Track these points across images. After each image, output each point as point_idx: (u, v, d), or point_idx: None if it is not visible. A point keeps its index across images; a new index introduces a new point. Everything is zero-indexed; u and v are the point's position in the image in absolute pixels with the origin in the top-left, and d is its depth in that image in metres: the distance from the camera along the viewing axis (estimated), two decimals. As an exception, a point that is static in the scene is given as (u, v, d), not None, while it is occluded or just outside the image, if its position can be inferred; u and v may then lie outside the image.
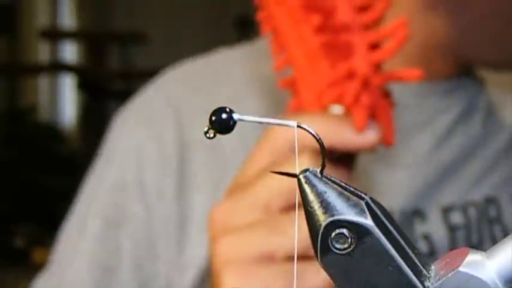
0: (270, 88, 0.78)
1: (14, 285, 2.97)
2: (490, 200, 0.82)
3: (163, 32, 4.65)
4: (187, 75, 0.83)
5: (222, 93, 0.80)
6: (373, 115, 0.58)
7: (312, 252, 0.52)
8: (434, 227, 0.78)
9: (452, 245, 0.79)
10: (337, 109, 0.58)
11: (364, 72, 0.57)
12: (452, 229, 0.79)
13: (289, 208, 0.54)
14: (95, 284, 0.76)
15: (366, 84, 0.57)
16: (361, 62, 0.57)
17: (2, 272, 3.17)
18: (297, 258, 0.54)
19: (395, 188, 0.78)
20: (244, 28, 4.67)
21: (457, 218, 0.80)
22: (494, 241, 0.81)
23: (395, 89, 0.82)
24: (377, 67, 0.59)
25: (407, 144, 0.81)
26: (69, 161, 3.97)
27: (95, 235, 0.77)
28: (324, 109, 0.58)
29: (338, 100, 0.57)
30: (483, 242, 0.81)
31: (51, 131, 4.44)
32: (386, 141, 0.60)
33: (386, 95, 0.61)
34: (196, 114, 0.78)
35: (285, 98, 0.72)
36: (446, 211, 0.80)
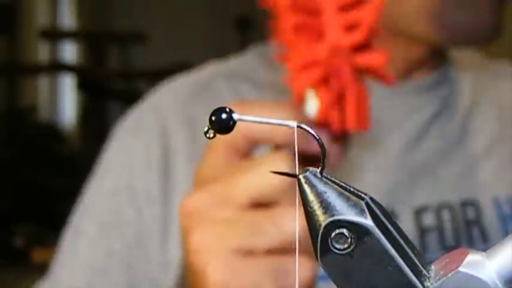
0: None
1: (14, 285, 2.97)
2: (468, 203, 0.81)
3: (163, 32, 4.65)
4: (176, 89, 0.88)
5: (204, 105, 0.84)
6: (341, 98, 0.58)
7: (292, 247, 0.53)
8: (404, 228, 0.78)
9: (423, 247, 0.79)
10: (311, 94, 0.58)
11: (325, 57, 0.57)
12: (423, 230, 0.79)
13: (261, 204, 0.54)
14: (88, 286, 0.79)
15: (333, 68, 0.57)
16: (323, 46, 0.57)
17: (2, 272, 3.17)
18: (278, 253, 0.54)
19: (365, 188, 0.78)
20: (244, 28, 4.67)
21: (429, 219, 0.80)
22: (471, 243, 0.81)
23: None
24: (353, 49, 0.58)
25: (378, 145, 0.81)
26: (69, 161, 3.97)
27: (90, 239, 0.81)
28: (299, 92, 0.58)
29: (310, 84, 0.57)
30: (459, 244, 0.80)
31: (51, 131, 4.44)
32: (360, 126, 0.60)
33: (359, 79, 0.60)
34: (179, 123, 0.83)
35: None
36: (418, 212, 0.80)
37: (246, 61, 0.89)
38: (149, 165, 0.81)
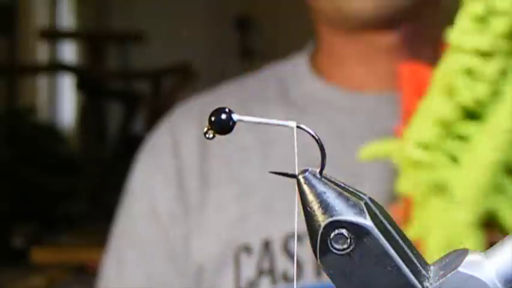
0: (257, 127, 0.81)
1: (13, 285, 2.97)
2: None
3: (162, 32, 4.65)
4: (190, 109, 0.90)
5: None
6: None
7: None
8: None
9: None
10: None
11: None
12: None
13: None
14: None
15: None
16: None
17: (1, 272, 3.17)
18: None
19: None
20: (244, 28, 4.67)
21: None
22: None
23: (369, 99, 0.81)
24: None
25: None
26: (68, 161, 3.97)
27: (132, 265, 0.85)
28: None
29: None
30: None
31: (50, 131, 4.43)
32: None
33: None
34: (191, 143, 0.85)
35: (272, 136, 0.80)
36: None
37: (259, 81, 0.89)
38: (168, 185, 0.84)
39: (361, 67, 0.83)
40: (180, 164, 0.84)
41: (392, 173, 0.78)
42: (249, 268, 0.78)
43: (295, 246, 0.30)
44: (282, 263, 0.77)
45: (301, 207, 0.32)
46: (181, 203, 0.84)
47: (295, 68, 0.86)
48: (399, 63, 0.80)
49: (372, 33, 0.80)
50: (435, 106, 0.56)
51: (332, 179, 0.32)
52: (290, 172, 0.33)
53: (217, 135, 0.32)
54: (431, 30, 0.81)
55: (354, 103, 0.82)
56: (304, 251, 0.77)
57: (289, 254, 0.77)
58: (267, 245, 0.78)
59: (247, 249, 0.79)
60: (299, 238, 0.77)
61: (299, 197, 0.32)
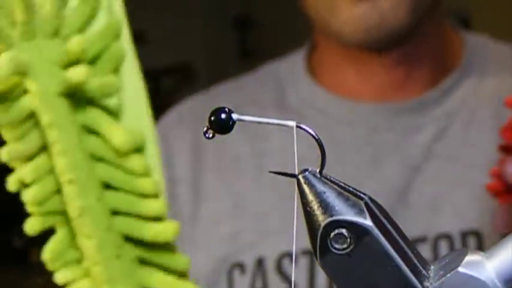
0: (251, 128, 0.81)
1: (13, 285, 2.97)
2: (470, 233, 0.76)
3: (162, 32, 4.65)
4: (181, 113, 0.88)
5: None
6: None
7: None
8: None
9: None
10: None
11: None
12: None
13: None
14: None
15: None
16: None
17: (1, 272, 3.17)
18: None
19: None
20: (243, 28, 4.67)
21: (425, 252, 0.75)
22: None
23: (367, 110, 0.80)
24: None
25: (376, 168, 0.78)
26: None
27: None
28: None
29: None
30: None
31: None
32: None
33: None
34: (182, 151, 0.84)
35: (266, 146, 0.79)
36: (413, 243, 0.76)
37: (255, 83, 0.87)
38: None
39: (357, 77, 0.81)
40: (172, 175, 0.82)
41: (390, 187, 0.77)
42: (242, 287, 0.77)
43: (293, 244, 0.30)
44: (275, 284, 0.76)
45: (301, 208, 0.32)
46: (173, 216, 0.82)
47: (292, 68, 0.85)
48: (395, 75, 0.80)
49: (367, 53, 0.79)
50: None
51: (332, 179, 0.32)
52: (290, 172, 0.33)
53: (215, 136, 0.32)
54: (430, 46, 0.80)
55: (351, 114, 0.80)
56: (298, 271, 0.76)
57: (282, 275, 0.76)
58: (260, 264, 0.77)
59: (240, 266, 0.78)
60: (293, 259, 0.76)
61: (299, 197, 0.32)
